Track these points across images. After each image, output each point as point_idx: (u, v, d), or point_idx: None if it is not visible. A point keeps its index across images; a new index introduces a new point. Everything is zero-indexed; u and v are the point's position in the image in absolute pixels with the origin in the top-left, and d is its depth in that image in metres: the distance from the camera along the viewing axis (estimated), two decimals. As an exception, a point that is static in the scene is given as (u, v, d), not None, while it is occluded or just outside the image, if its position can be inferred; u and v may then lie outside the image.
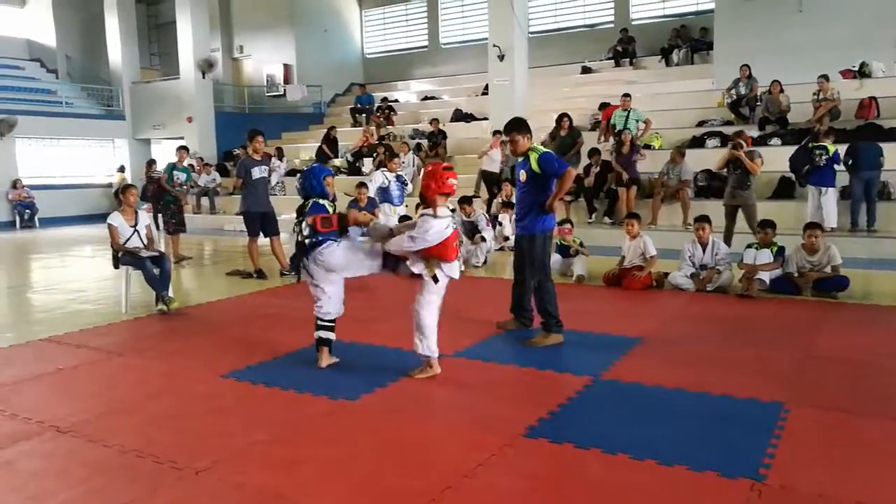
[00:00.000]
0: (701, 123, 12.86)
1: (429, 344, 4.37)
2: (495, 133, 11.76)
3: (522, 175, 5.25)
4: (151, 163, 15.29)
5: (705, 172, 11.02)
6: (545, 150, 5.28)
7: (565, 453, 3.25)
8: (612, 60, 17.46)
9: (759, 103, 12.21)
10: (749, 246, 6.93)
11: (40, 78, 20.36)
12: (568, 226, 8.22)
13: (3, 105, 17.14)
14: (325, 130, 16.78)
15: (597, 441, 3.34)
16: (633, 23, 17.97)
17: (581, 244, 8.18)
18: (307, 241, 4.42)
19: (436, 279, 4.32)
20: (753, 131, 11.75)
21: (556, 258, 7.96)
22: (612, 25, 18.26)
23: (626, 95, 12.25)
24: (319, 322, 4.61)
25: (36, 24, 21.20)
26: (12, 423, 3.75)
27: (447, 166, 4.41)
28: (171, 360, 4.95)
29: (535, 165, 5.10)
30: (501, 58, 13.00)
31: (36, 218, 16.78)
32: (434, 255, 4.26)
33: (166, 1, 20.89)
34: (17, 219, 16.57)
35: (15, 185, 16.82)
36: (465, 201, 9.30)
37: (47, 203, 17.20)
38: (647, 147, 12.06)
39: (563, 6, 19.18)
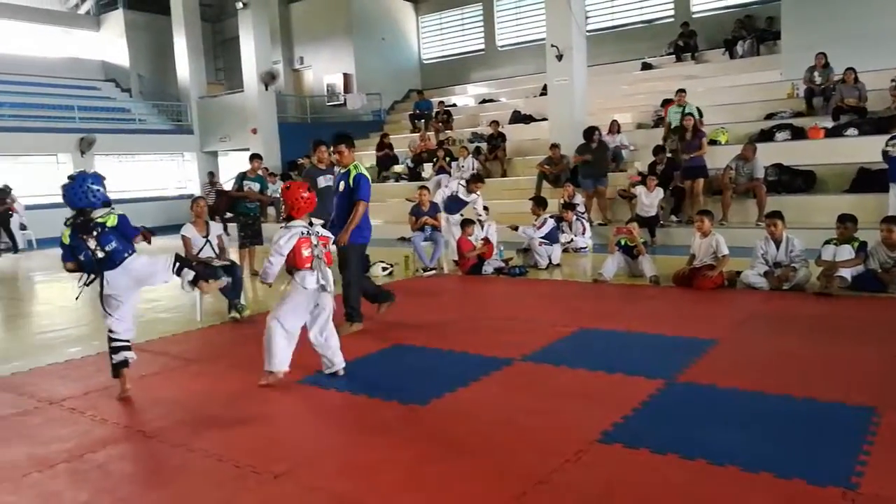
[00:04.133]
0: (769, 116, 12.42)
1: (269, 359, 4.42)
2: (648, 176, 10.54)
3: (341, 186, 5.79)
4: (212, 175, 15.75)
5: (776, 167, 10.63)
6: (364, 171, 5.83)
7: (642, 459, 3.18)
8: (673, 55, 17.06)
9: (833, 92, 11.70)
10: (828, 242, 6.64)
11: (115, 97, 21.40)
12: (633, 224, 8.05)
13: (83, 124, 18.07)
14: (379, 138, 17.03)
15: (674, 446, 3.25)
16: (694, 16, 17.53)
17: (644, 243, 8.02)
18: (120, 255, 4.16)
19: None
20: (827, 122, 11.29)
21: (621, 259, 7.83)
22: (671, 20, 17.87)
23: (681, 91, 12.00)
24: (118, 343, 4.34)
25: (110, 46, 22.28)
26: (103, 428, 3.93)
27: (302, 185, 4.67)
28: (246, 367, 5.06)
29: (351, 181, 5.69)
30: (560, 58, 12.87)
31: (114, 230, 17.54)
32: (287, 264, 4.41)
33: (230, 18, 21.59)
34: (97, 232, 17.36)
35: (94, 199, 17.66)
36: (540, 203, 9.28)
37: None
38: (714, 143, 11.72)
39: (620, 2, 18.88)
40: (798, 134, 11.37)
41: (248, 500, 3.00)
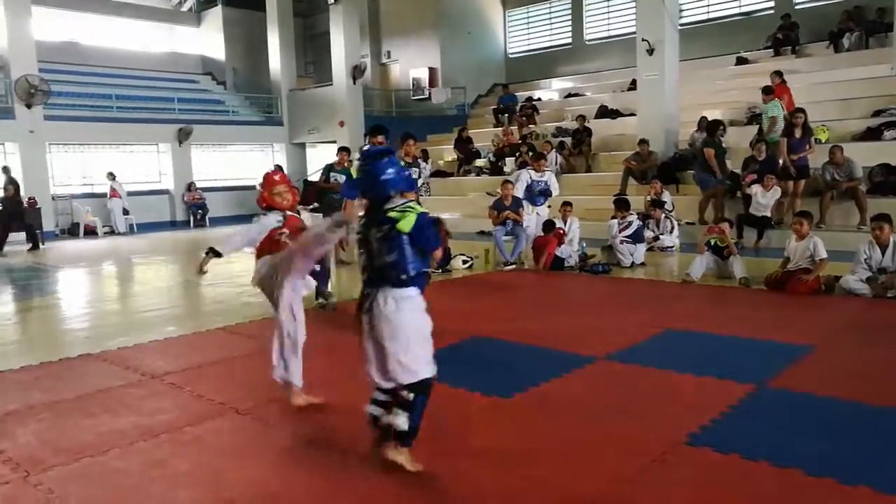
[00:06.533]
0: (877, 113, 11.69)
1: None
2: (767, 175, 9.78)
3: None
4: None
5: (883, 167, 10.00)
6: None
7: (731, 464, 3.09)
8: (772, 49, 16.29)
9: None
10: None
11: (211, 90, 22.37)
12: (725, 224, 7.77)
13: (181, 115, 19.00)
14: (458, 133, 17.11)
15: (766, 453, 3.14)
16: (797, 7, 16.66)
17: (736, 243, 7.73)
18: (399, 273, 3.04)
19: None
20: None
21: (710, 259, 7.58)
22: (772, 12, 17.03)
23: (767, 88, 11.41)
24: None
25: (209, 41, 23.30)
26: (199, 403, 4.15)
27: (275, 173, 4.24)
28: (334, 353, 5.22)
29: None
30: (651, 52, 12.55)
31: (207, 217, 18.45)
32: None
33: (320, 13, 22.15)
34: (191, 218, 18.30)
35: (189, 187, 18.61)
36: (623, 206, 9.09)
37: (216, 203, 18.90)
38: (816, 141, 11.12)
39: (716, -6, 18.19)
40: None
41: (335, 480, 3.10)
